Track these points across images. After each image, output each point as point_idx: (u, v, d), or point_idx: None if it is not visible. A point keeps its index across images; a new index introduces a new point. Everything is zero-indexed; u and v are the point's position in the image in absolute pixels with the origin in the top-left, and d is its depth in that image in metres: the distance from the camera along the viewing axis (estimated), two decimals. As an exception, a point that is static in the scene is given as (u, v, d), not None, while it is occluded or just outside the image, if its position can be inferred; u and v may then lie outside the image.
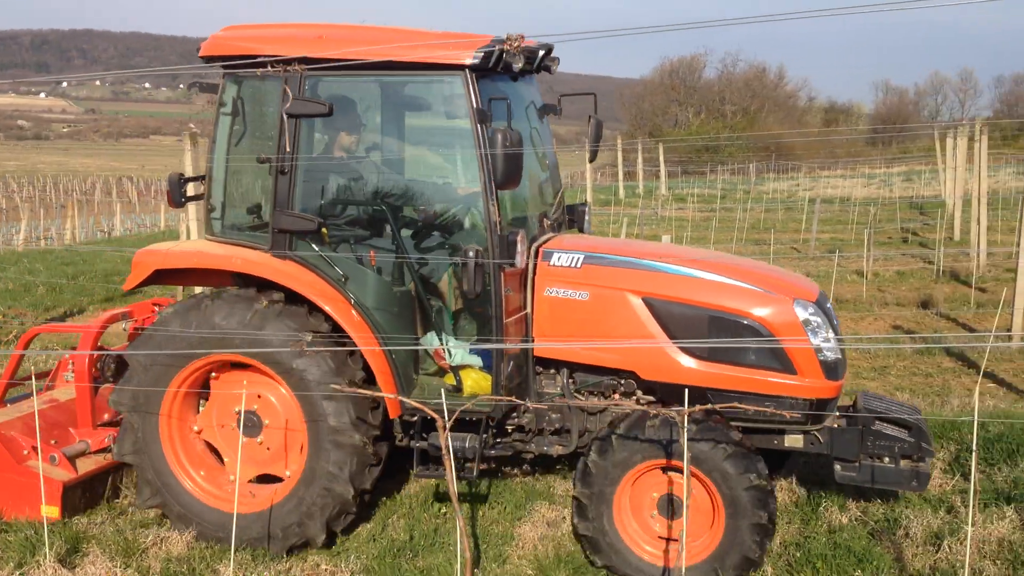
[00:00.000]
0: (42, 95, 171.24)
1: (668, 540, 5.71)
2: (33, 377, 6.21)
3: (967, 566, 5.12)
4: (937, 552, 5.85)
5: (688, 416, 5.48)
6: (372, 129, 6.83)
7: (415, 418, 6.09)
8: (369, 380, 6.02)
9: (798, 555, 5.85)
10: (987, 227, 16.63)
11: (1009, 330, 10.85)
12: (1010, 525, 6.05)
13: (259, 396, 6.15)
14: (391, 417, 6.14)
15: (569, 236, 6.76)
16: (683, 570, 5.31)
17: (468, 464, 6.13)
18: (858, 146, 63.47)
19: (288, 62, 5.88)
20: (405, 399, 5.67)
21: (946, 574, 5.58)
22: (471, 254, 5.67)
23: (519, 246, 5.82)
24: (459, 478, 6.16)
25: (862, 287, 14.88)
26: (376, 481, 6.18)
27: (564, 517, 6.51)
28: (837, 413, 6.09)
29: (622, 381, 6.15)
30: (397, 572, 5.81)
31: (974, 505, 5.33)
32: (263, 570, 5.84)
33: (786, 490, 6.82)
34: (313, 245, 6.10)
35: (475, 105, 5.69)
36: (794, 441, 6.01)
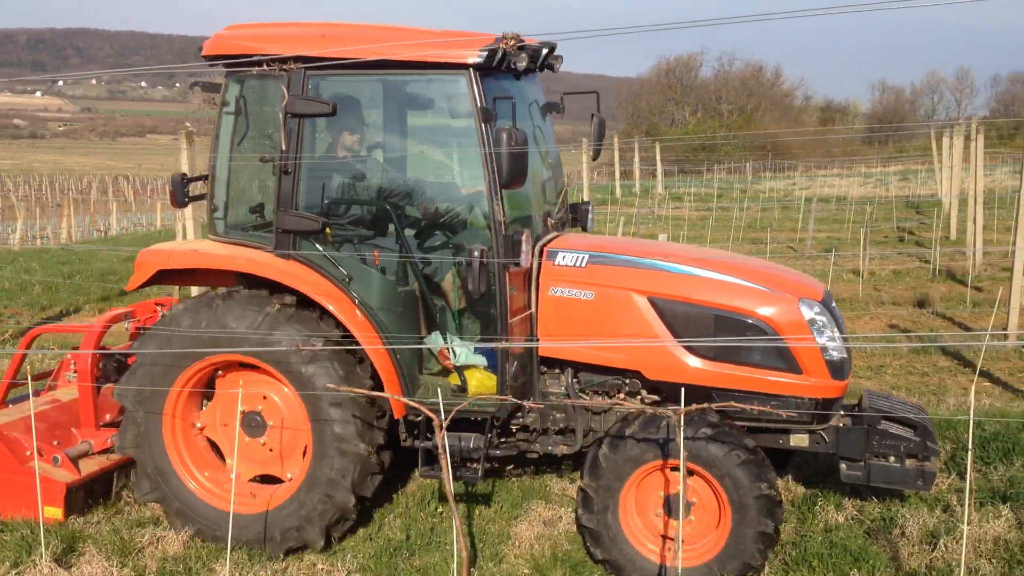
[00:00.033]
0: (38, 94, 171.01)
1: (669, 539, 5.68)
2: (29, 378, 6.18)
3: (963, 565, 5.13)
4: (933, 551, 5.86)
5: (703, 418, 5.50)
6: (375, 129, 6.82)
7: (419, 418, 6.08)
8: (377, 388, 6.01)
9: (794, 554, 5.85)
10: (983, 226, 16.66)
11: (1005, 329, 10.86)
12: (1006, 524, 6.06)
13: (264, 397, 6.14)
14: (396, 417, 6.13)
15: (573, 235, 6.75)
16: (679, 569, 5.32)
17: (473, 464, 6.13)
18: (854, 145, 63.51)
19: (290, 61, 5.86)
20: (399, 398, 5.69)
21: (942, 573, 5.59)
22: (476, 254, 5.66)
23: (524, 246, 5.78)
24: (464, 478, 6.16)
25: (858, 286, 14.89)
26: (377, 488, 6.19)
27: (561, 516, 6.52)
28: (842, 412, 6.08)
29: (627, 381, 6.13)
30: (393, 571, 5.82)
31: (970, 504, 5.32)
32: (259, 569, 5.84)
33: (782, 489, 6.82)
34: (317, 245, 6.08)
35: (479, 104, 5.67)
36: (799, 440, 6.00)
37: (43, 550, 5.80)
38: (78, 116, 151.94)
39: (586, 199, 7.78)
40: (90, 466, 6.67)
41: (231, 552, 5.75)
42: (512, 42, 5.59)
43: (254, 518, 6.06)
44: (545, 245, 6.17)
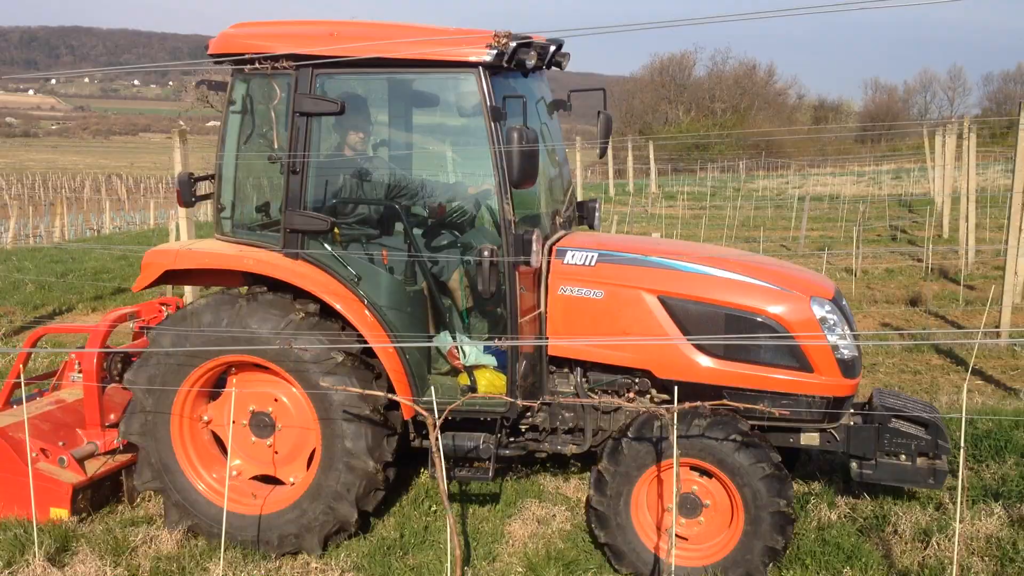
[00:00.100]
0: (31, 92, 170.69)
1: (677, 535, 5.67)
2: (23, 379, 6.18)
3: (955, 563, 5.14)
4: (925, 549, 5.87)
5: (734, 425, 5.47)
6: (384, 127, 6.80)
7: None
8: (392, 405, 6.01)
9: (787, 552, 5.86)
10: (975, 225, 16.70)
11: (997, 327, 10.89)
12: (998, 522, 6.07)
13: (276, 400, 6.12)
14: (405, 418, 6.12)
15: (581, 234, 6.73)
16: (673, 566, 5.32)
17: (482, 464, 6.12)
18: (847, 144, 63.71)
19: (299, 59, 5.83)
20: (395, 397, 5.67)
21: (934, 570, 5.61)
22: (486, 253, 5.64)
23: (534, 245, 5.75)
24: (475, 478, 6.16)
25: (851, 285, 14.91)
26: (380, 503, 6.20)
27: (554, 515, 6.52)
28: (852, 411, 6.07)
29: (636, 380, 6.12)
30: (387, 570, 5.82)
31: (962, 502, 5.35)
32: (253, 569, 5.83)
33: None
34: (325, 244, 6.06)
35: (489, 103, 5.64)
36: (810, 439, 5.99)
37: (36, 549, 5.79)
38: (71, 114, 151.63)
39: (592, 197, 7.73)
40: (96, 467, 6.65)
41: (224, 551, 5.75)
42: (505, 40, 5.58)
43: (253, 519, 6.05)
44: (554, 244, 6.16)
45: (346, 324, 5.96)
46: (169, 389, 6.08)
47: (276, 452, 6.18)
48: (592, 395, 6.14)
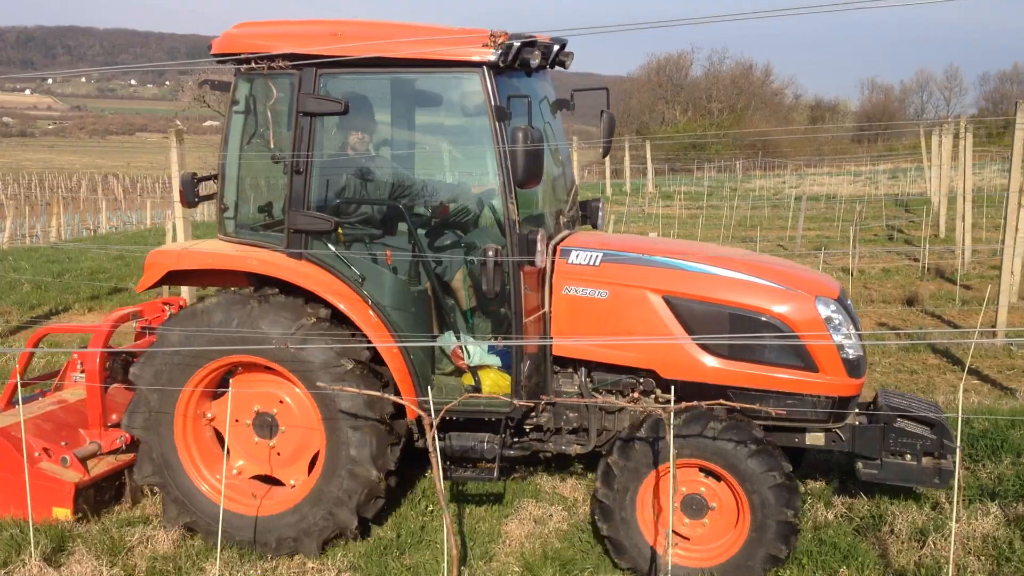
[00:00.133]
0: (27, 92, 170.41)
1: (679, 535, 5.69)
2: (19, 380, 6.17)
3: (951, 562, 5.15)
4: (922, 548, 5.88)
5: (748, 432, 5.45)
6: (388, 127, 6.78)
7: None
8: (398, 414, 6.00)
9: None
10: (972, 224, 16.73)
11: (993, 327, 10.90)
12: (994, 521, 6.08)
13: (281, 401, 6.10)
14: (410, 419, 6.11)
15: (585, 233, 6.72)
16: (669, 564, 5.33)
17: (487, 464, 6.11)
18: (844, 143, 63.77)
19: (302, 59, 5.81)
20: (391, 397, 5.66)
21: (931, 570, 5.61)
22: (491, 253, 5.63)
23: (539, 245, 5.73)
24: (479, 478, 6.15)
25: (848, 284, 14.91)
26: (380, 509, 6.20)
27: (551, 515, 6.52)
28: (858, 411, 6.06)
29: (641, 380, 6.10)
30: (384, 570, 5.81)
31: (958, 501, 5.35)
32: (249, 568, 5.83)
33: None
34: (329, 245, 6.04)
35: (494, 103, 5.63)
36: (815, 439, 5.98)
37: (32, 549, 5.78)
38: (67, 114, 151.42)
39: (595, 197, 7.71)
40: (99, 466, 6.65)
41: (221, 551, 5.74)
42: (499, 40, 5.57)
43: (251, 520, 6.03)
44: (558, 244, 6.15)
45: (355, 330, 5.94)
46: (176, 384, 6.05)
47: (278, 454, 6.17)
48: (596, 395, 6.13)
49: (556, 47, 6.26)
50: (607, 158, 36.19)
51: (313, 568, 5.83)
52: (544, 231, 5.86)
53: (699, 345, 5.82)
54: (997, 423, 7.56)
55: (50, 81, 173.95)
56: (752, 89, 71.60)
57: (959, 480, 5.13)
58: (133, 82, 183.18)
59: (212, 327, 5.89)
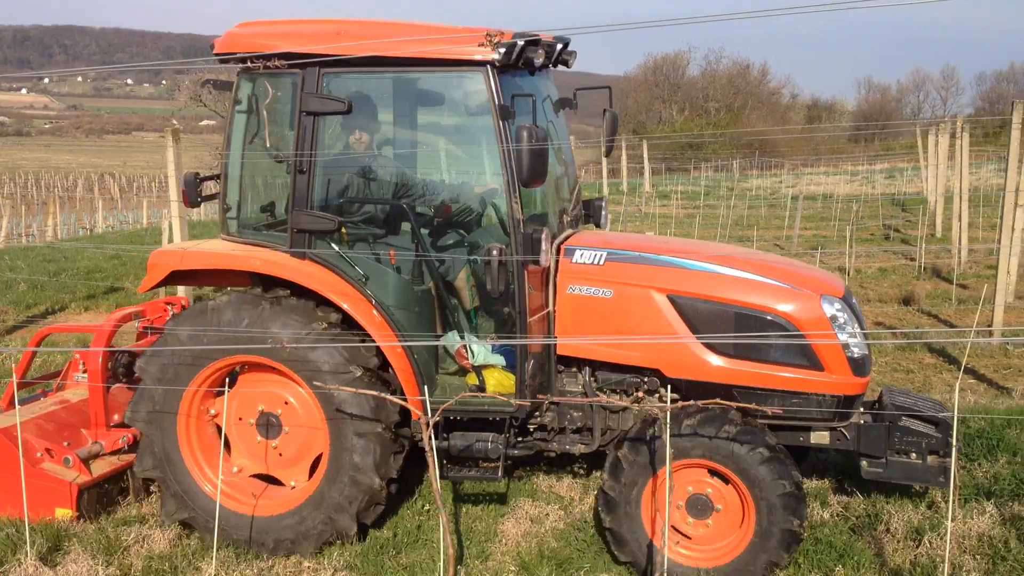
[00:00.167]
0: (23, 91, 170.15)
1: (681, 534, 5.68)
2: (15, 380, 6.15)
3: (947, 561, 5.15)
4: (918, 547, 5.88)
5: (761, 438, 5.43)
6: (391, 126, 6.77)
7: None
8: (404, 423, 5.99)
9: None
10: (968, 224, 16.73)
11: (990, 326, 10.92)
12: (990, 520, 6.09)
13: (286, 402, 6.09)
14: (413, 419, 6.10)
15: (589, 232, 6.71)
16: (665, 560, 5.32)
17: (491, 464, 6.10)
18: (841, 143, 63.85)
19: (305, 59, 5.79)
20: (388, 396, 5.66)
21: (926, 569, 5.62)
22: (495, 252, 5.62)
23: (544, 244, 5.73)
24: (484, 478, 6.14)
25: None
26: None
27: (548, 514, 6.52)
28: (862, 409, 6.06)
29: (645, 379, 6.10)
30: (380, 569, 5.81)
31: (954, 500, 5.35)
32: (245, 568, 5.82)
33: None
34: (332, 244, 6.03)
35: (498, 102, 5.62)
36: (820, 438, 5.98)
37: (28, 549, 5.77)
38: (64, 113, 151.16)
39: (599, 196, 7.71)
40: (101, 467, 6.63)
41: (217, 550, 5.73)
42: (497, 39, 5.57)
43: (250, 520, 6.02)
44: (562, 243, 6.14)
45: (366, 336, 5.92)
46: (183, 379, 6.04)
47: (280, 454, 6.16)
48: (601, 394, 6.12)
49: (559, 46, 6.26)
50: (605, 158, 36.30)
51: (309, 567, 5.83)
52: (548, 230, 5.86)
53: (704, 344, 5.81)
54: (993, 422, 7.57)
55: (46, 80, 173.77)
56: (749, 89, 71.64)
57: (955, 479, 5.13)
58: (129, 81, 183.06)
59: (221, 326, 5.89)
